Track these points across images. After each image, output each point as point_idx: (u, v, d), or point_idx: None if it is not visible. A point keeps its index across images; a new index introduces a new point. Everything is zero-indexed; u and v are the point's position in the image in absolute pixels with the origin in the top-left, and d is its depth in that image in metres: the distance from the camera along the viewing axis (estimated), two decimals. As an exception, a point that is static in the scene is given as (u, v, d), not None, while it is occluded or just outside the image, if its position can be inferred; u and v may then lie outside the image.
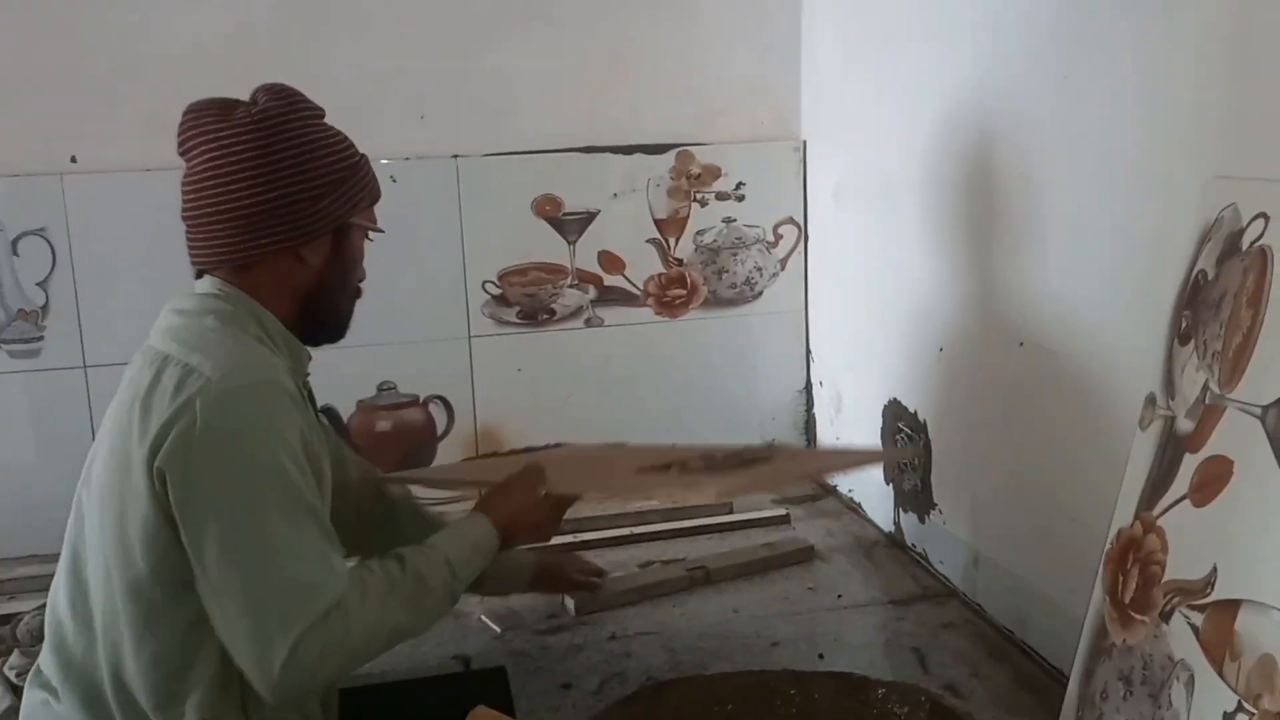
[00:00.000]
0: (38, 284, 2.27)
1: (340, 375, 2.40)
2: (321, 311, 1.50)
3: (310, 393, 1.55)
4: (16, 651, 1.75)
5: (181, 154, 1.44)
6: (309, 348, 1.52)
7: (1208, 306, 1.22)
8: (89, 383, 2.30)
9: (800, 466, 2.14)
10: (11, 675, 1.71)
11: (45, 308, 2.28)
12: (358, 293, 1.56)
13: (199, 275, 1.48)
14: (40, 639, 1.78)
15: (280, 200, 1.39)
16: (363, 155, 1.50)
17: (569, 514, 1.68)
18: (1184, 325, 1.26)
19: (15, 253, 2.25)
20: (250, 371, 1.34)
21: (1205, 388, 1.19)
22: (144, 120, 2.27)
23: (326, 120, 1.48)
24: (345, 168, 1.45)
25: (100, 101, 2.26)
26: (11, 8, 2.21)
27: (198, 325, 1.40)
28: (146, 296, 2.26)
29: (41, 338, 2.28)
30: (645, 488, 1.77)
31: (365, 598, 1.34)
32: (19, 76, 2.23)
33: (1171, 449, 1.23)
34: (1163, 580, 1.19)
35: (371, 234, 1.54)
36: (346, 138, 1.49)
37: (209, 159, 1.40)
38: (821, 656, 1.77)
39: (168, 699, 1.35)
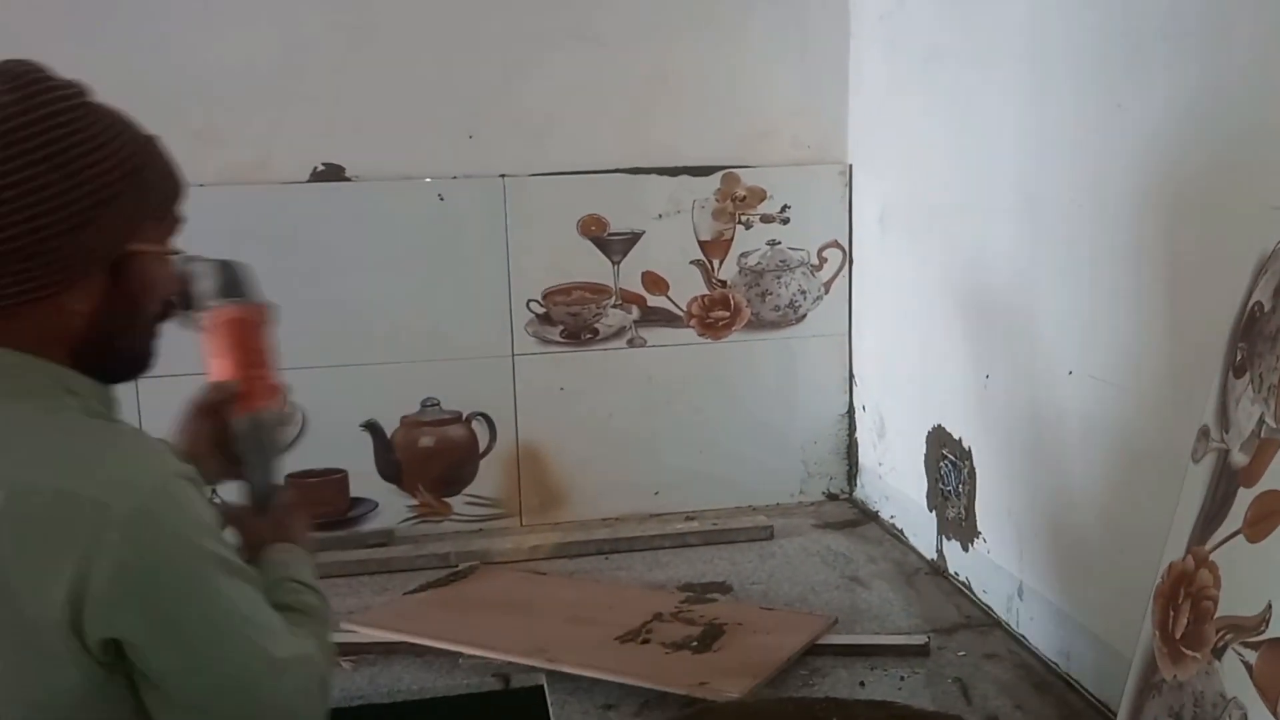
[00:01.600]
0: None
1: (384, 390, 2.43)
2: (105, 360, 1.16)
3: None
4: None
5: None
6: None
7: (1264, 338, 1.20)
8: (139, 394, 2.32)
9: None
10: None
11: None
12: (159, 318, 1.23)
13: None
14: None
15: (20, 243, 1.04)
16: (147, 145, 1.16)
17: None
18: (1239, 357, 1.24)
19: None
20: (138, 478, 1.06)
21: (1261, 421, 1.17)
22: (200, 136, 2.31)
23: (99, 108, 1.12)
24: (116, 179, 1.10)
25: (157, 118, 2.28)
26: (72, 26, 2.26)
27: (20, 434, 1.07)
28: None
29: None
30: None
31: (312, 639, 1.24)
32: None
33: (1225, 483, 1.21)
34: (1215, 616, 1.17)
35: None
36: (123, 126, 1.14)
37: None
38: (863, 685, 1.76)
39: None
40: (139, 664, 1.09)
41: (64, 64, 2.23)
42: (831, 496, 2.70)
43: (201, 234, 2.26)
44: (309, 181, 2.37)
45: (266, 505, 1.41)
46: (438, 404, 2.48)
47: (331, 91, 2.34)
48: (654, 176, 2.50)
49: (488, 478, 2.52)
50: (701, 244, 2.55)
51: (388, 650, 1.89)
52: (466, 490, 2.51)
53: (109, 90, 2.28)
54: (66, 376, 1.12)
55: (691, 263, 2.55)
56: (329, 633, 1.30)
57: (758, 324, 2.60)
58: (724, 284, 2.57)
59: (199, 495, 1.13)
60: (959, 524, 2.13)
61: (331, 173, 2.38)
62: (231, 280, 1.45)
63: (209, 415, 1.42)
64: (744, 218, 2.56)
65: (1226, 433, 1.23)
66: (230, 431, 1.41)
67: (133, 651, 1.07)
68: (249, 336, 1.41)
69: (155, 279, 1.19)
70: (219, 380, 1.41)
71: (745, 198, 2.55)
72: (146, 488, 1.06)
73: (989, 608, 2.02)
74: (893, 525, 2.47)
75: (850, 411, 2.67)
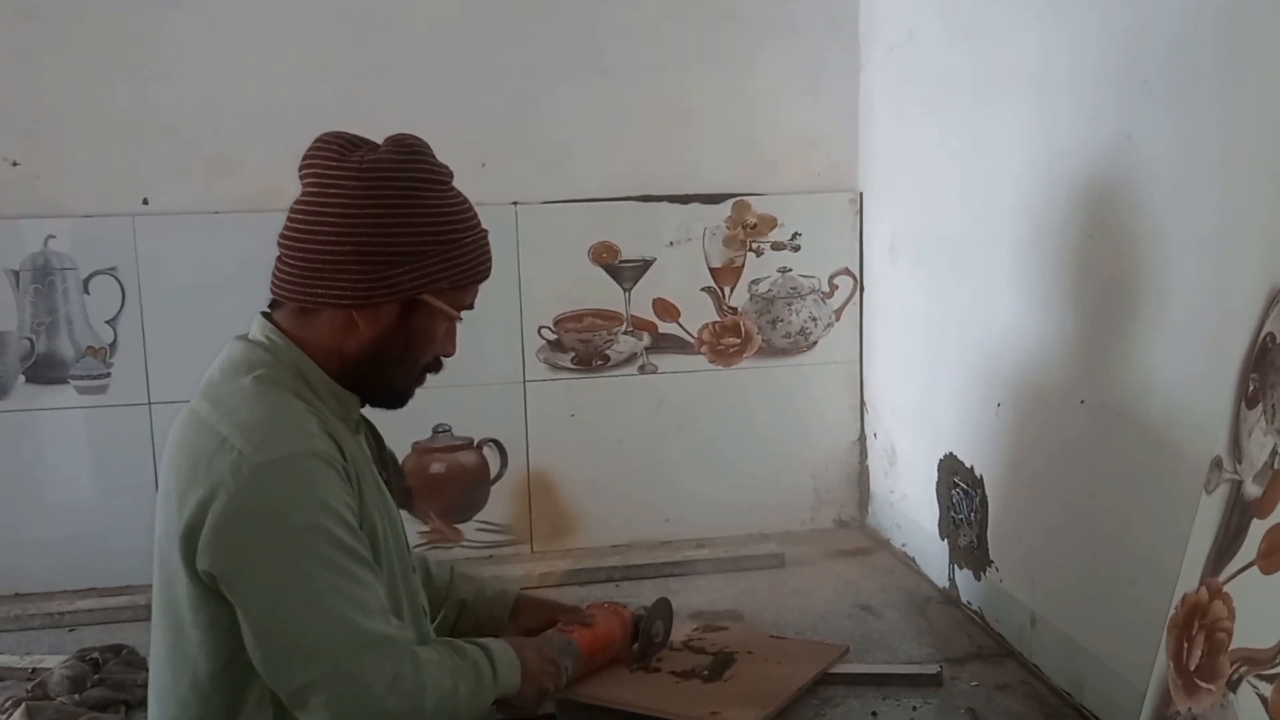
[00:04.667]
0: (107, 322, 2.33)
1: (396, 417, 2.39)
2: (368, 379, 1.42)
3: (371, 428, 1.53)
4: (23, 709, 1.72)
5: (299, 177, 1.40)
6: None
7: (1276, 370, 1.20)
8: (153, 419, 2.34)
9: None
10: None
11: (113, 345, 2.33)
12: (429, 368, 1.47)
13: (271, 302, 1.44)
14: (69, 689, 1.79)
15: (347, 257, 1.33)
16: (472, 233, 1.41)
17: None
18: (1251, 388, 1.24)
19: (86, 291, 2.31)
20: (282, 444, 1.29)
21: (1274, 452, 1.17)
22: (213, 163, 2.33)
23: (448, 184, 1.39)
24: (436, 242, 1.36)
25: (172, 145, 2.33)
26: (87, 54, 2.29)
27: (234, 385, 1.35)
28: (212, 335, 2.32)
29: (109, 374, 2.34)
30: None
31: (434, 662, 1.34)
32: (94, 120, 2.30)
33: (1238, 514, 1.21)
34: (1229, 648, 1.16)
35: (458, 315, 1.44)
36: (460, 211, 1.40)
37: (309, 194, 1.37)
38: (875, 714, 1.75)
39: None
40: (234, 603, 1.27)
41: (82, 92, 2.28)
42: (842, 524, 2.69)
43: (218, 260, 2.31)
44: (323, 209, 2.38)
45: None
46: (449, 430, 2.48)
47: (346, 119, 2.31)
48: (665, 204, 2.52)
49: (499, 504, 2.52)
50: (712, 271, 2.56)
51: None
52: (477, 516, 2.51)
53: (127, 117, 2.32)
54: (310, 373, 1.37)
55: (702, 290, 2.56)
56: (475, 685, 1.40)
57: (769, 351, 2.60)
58: (735, 311, 2.58)
59: (334, 478, 1.30)
60: (971, 552, 2.13)
61: (345, 200, 2.39)
62: (655, 615, 1.87)
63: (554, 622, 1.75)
64: (755, 245, 2.56)
65: (1239, 464, 1.23)
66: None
67: (226, 588, 1.27)
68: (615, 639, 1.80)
69: (433, 332, 1.42)
70: (585, 620, 1.76)
71: (756, 225, 2.56)
72: (283, 452, 1.27)
73: (1001, 637, 2.01)
74: (904, 553, 2.46)
75: (861, 439, 2.67)
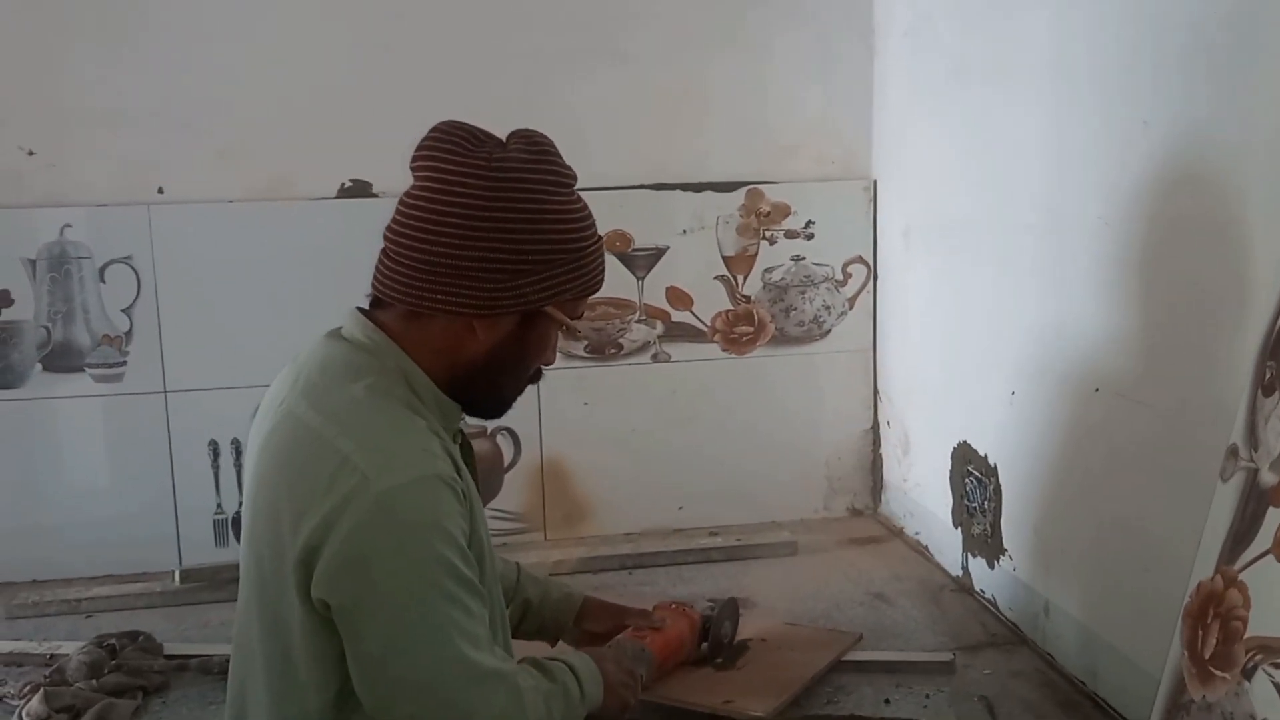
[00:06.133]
0: (123, 310, 2.34)
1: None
2: (477, 389, 1.34)
3: (465, 439, 1.43)
4: (41, 694, 1.73)
5: (412, 168, 1.29)
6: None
7: (1293, 357, 1.20)
8: (169, 407, 2.36)
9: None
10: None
11: (129, 333, 2.34)
12: (535, 378, 1.40)
13: (373, 300, 1.33)
14: (87, 675, 1.80)
15: (474, 263, 1.23)
16: (596, 241, 1.32)
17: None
18: (1268, 375, 1.23)
19: (102, 280, 2.32)
20: (408, 467, 1.20)
21: (1290, 440, 1.16)
22: (228, 153, 2.34)
23: (571, 189, 1.30)
24: (564, 251, 1.27)
25: (187, 134, 2.33)
26: (105, 44, 2.29)
27: (345, 393, 1.25)
28: (227, 324, 2.36)
29: (125, 363, 2.35)
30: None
31: (532, 688, 1.30)
32: (109, 110, 2.31)
33: (1254, 502, 1.20)
34: (1245, 636, 1.16)
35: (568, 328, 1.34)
36: (586, 217, 1.31)
37: (428, 189, 1.25)
38: (888, 702, 1.75)
39: None
40: (343, 633, 1.20)
41: (96, 81, 2.29)
42: (856, 512, 2.69)
43: (232, 248, 2.32)
44: (336, 198, 2.39)
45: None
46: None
47: (358, 109, 2.36)
48: (678, 192, 2.51)
49: (512, 492, 2.53)
50: (726, 259, 2.56)
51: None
52: (491, 505, 2.51)
53: (142, 105, 2.32)
54: (417, 381, 1.29)
55: (716, 278, 2.56)
56: (565, 708, 1.36)
57: (782, 339, 2.60)
58: (748, 299, 2.58)
59: (454, 502, 1.23)
60: (985, 541, 2.12)
61: (359, 189, 2.40)
62: (724, 615, 1.83)
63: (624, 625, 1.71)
64: (768, 233, 2.56)
65: (1255, 451, 1.23)
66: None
67: (340, 618, 1.19)
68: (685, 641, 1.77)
69: (548, 341, 1.35)
70: (655, 624, 1.72)
71: (769, 213, 2.55)
72: (409, 476, 1.19)
73: (1015, 625, 2.01)
74: (918, 542, 2.46)
75: (875, 427, 2.67)
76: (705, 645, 1.81)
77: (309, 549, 1.18)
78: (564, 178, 1.29)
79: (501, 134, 1.31)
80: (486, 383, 1.34)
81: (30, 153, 2.30)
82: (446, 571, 1.20)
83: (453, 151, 1.26)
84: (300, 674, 1.25)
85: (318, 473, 1.19)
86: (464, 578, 1.22)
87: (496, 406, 1.39)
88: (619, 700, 1.47)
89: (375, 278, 1.31)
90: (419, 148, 1.29)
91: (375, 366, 1.27)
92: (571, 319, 1.35)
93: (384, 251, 1.30)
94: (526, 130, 1.31)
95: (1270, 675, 1.11)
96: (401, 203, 1.29)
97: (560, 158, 1.30)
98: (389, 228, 1.30)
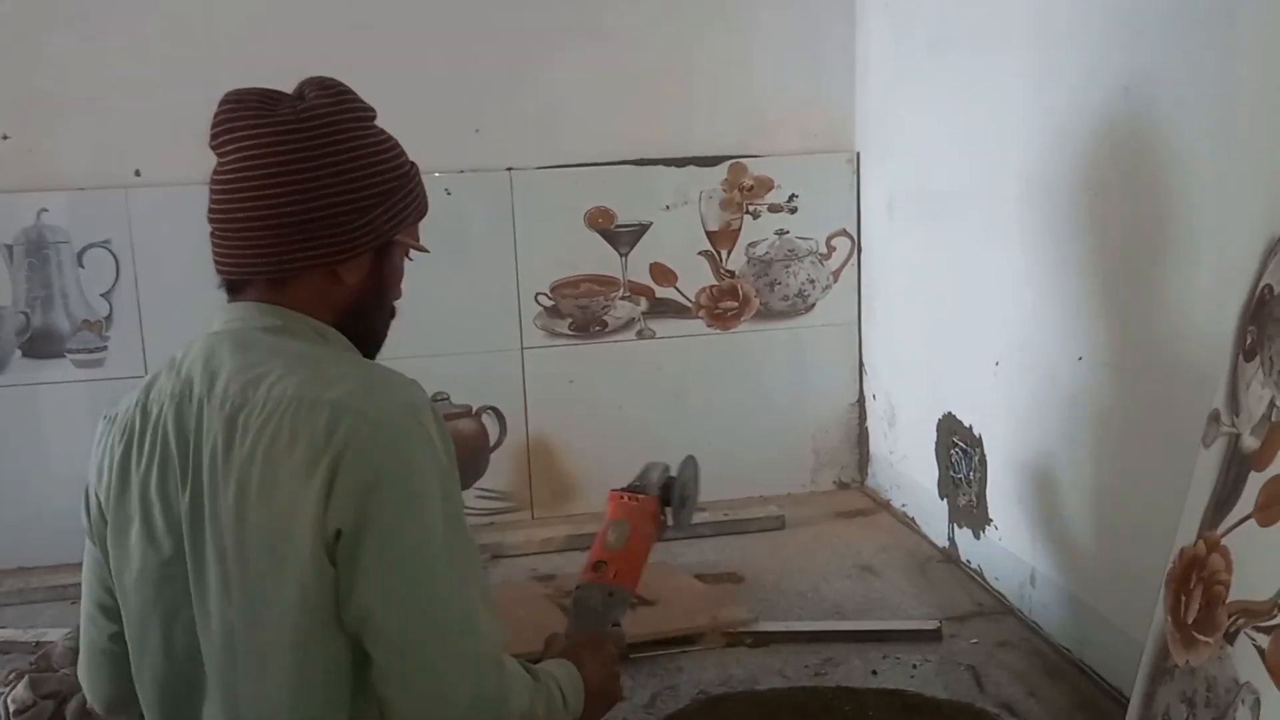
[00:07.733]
0: (102, 295, 2.32)
1: (394, 386, 2.43)
2: (357, 333, 1.33)
3: None
4: (26, 681, 1.72)
5: (214, 147, 1.27)
6: None
7: (1274, 321, 1.20)
8: (150, 392, 2.34)
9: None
10: (10, 708, 1.70)
11: (109, 318, 2.33)
12: (393, 313, 1.40)
13: (229, 287, 1.31)
14: (73, 661, 1.78)
15: (323, 211, 1.24)
16: (413, 164, 1.36)
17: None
18: (1249, 340, 1.23)
19: (81, 264, 2.30)
20: (395, 393, 1.20)
21: (1272, 404, 1.17)
22: (204, 134, 2.31)
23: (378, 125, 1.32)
24: (395, 178, 1.30)
25: (163, 117, 2.31)
26: (80, 28, 2.27)
27: (299, 359, 1.22)
28: (208, 308, 2.32)
29: (105, 347, 2.33)
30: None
31: (516, 674, 1.27)
32: (87, 93, 2.28)
33: (1236, 467, 1.21)
34: (1227, 601, 1.17)
35: (413, 253, 1.38)
36: (397, 143, 1.34)
37: (245, 158, 1.24)
38: (875, 673, 1.76)
39: None
40: (343, 575, 1.15)
41: (72, 64, 2.26)
42: (843, 485, 2.70)
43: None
44: (316, 177, 2.37)
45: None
46: (447, 398, 2.48)
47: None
48: (661, 168, 2.50)
49: (499, 471, 2.52)
50: (709, 234, 2.55)
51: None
52: (478, 484, 2.51)
53: (118, 89, 2.30)
54: (322, 327, 1.29)
55: (699, 253, 2.55)
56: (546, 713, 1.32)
57: (767, 314, 2.60)
58: (732, 274, 2.57)
59: (442, 429, 1.23)
60: (970, 511, 2.13)
61: (338, 168, 2.38)
62: (686, 475, 1.70)
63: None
64: (752, 208, 2.55)
65: (1237, 416, 1.23)
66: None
67: (351, 543, 1.15)
68: (645, 530, 1.64)
69: (400, 270, 1.37)
70: (610, 547, 1.65)
71: (753, 187, 2.54)
72: (400, 404, 1.20)
73: (1001, 595, 2.02)
74: (904, 513, 2.47)
75: (860, 400, 2.67)
76: (668, 513, 1.71)
77: (326, 493, 1.14)
78: (369, 112, 1.32)
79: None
80: (362, 324, 1.34)
81: (5, 137, 2.28)
82: (444, 500, 1.20)
83: (256, 115, 1.26)
84: (317, 691, 1.18)
85: (316, 430, 1.17)
86: (457, 513, 1.22)
87: (375, 345, 1.39)
88: (606, 701, 1.45)
89: (219, 262, 1.29)
90: (215, 124, 1.27)
91: (298, 331, 1.27)
92: (416, 241, 1.38)
93: (217, 234, 1.28)
94: (314, 78, 1.31)
95: (1252, 639, 1.11)
96: (216, 182, 1.26)
97: (355, 94, 1.31)
98: (211, 210, 1.28)
